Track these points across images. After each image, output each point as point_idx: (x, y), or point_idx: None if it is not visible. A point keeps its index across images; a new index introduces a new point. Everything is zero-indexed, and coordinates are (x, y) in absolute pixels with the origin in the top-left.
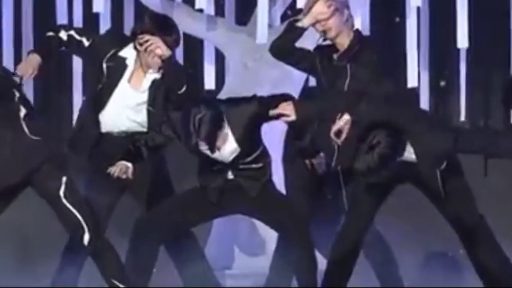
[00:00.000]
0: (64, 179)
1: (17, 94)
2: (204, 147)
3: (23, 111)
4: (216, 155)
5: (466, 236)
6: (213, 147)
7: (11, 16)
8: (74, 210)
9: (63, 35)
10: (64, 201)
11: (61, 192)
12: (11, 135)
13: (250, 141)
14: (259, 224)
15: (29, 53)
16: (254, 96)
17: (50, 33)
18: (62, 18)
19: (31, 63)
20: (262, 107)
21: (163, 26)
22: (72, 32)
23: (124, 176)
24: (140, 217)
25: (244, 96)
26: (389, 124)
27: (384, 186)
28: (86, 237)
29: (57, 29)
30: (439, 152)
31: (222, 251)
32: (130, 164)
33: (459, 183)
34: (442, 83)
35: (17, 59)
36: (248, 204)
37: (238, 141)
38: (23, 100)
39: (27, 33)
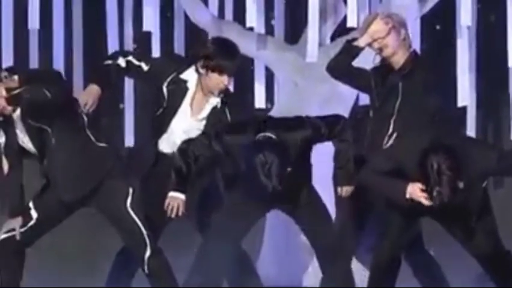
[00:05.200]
0: (131, 189)
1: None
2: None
3: (86, 120)
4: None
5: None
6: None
7: (61, 38)
8: (139, 223)
9: (121, 61)
10: (131, 212)
11: (128, 203)
12: (79, 145)
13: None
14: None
15: (89, 82)
16: (306, 119)
17: (109, 62)
18: (113, 38)
19: (91, 94)
20: (315, 131)
21: (227, 51)
22: (130, 58)
23: (180, 213)
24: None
25: (297, 119)
26: (438, 146)
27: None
28: (148, 253)
29: (115, 56)
30: (481, 170)
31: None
32: (182, 196)
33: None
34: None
35: (69, 81)
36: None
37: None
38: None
39: (78, 51)
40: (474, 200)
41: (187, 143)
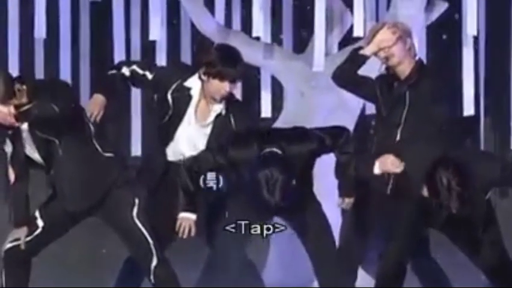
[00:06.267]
0: (137, 199)
1: (86, 116)
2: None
3: (92, 130)
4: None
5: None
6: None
7: (68, 48)
8: (145, 233)
9: (125, 71)
10: (137, 222)
11: (134, 213)
12: (86, 155)
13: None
14: None
15: (93, 92)
16: (311, 132)
17: (113, 71)
18: (119, 46)
19: (97, 104)
20: (320, 144)
21: (228, 58)
22: (134, 67)
23: (192, 234)
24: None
25: (301, 131)
26: (447, 160)
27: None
28: (154, 262)
29: (119, 65)
30: (485, 181)
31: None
32: (193, 217)
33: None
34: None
35: (76, 90)
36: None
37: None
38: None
39: (84, 60)
40: (479, 211)
41: (192, 159)
